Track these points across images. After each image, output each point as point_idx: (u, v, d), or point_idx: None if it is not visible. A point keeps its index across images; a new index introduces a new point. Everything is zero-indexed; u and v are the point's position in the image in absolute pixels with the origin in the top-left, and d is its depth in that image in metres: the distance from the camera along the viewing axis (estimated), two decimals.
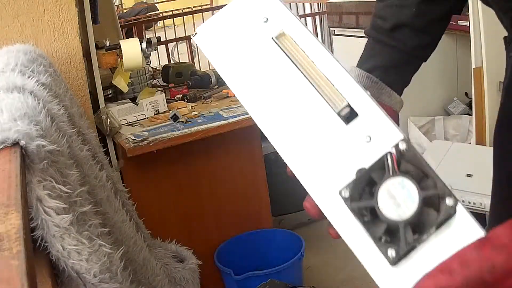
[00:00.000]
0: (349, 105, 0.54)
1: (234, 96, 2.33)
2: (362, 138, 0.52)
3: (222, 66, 0.62)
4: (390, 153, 0.50)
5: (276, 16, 0.61)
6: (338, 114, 0.53)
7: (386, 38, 0.84)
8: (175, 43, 5.08)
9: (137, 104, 1.98)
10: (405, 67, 0.84)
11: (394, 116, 0.82)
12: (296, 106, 0.57)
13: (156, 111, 2.02)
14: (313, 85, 0.56)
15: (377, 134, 0.52)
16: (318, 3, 4.86)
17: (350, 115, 0.53)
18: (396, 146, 0.50)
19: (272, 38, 0.59)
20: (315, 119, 0.55)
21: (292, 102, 0.57)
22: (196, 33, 0.64)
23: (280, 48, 0.59)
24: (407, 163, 0.49)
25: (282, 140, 0.56)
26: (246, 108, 0.59)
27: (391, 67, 0.82)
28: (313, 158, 0.54)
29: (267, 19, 0.61)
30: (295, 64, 0.58)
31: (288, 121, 0.57)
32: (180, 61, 4.52)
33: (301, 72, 0.57)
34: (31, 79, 0.96)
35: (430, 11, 0.83)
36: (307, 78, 0.57)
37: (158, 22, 5.90)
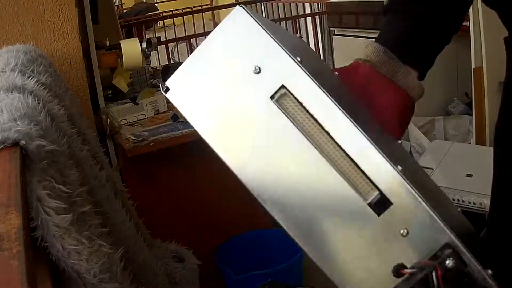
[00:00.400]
0: (380, 193, 0.46)
1: None
2: (397, 231, 0.45)
3: (206, 131, 0.51)
4: (435, 268, 0.44)
5: (270, 62, 0.49)
6: (369, 204, 0.46)
7: (404, 7, 0.77)
8: (175, 43, 5.07)
9: (137, 104, 1.98)
10: (424, 42, 0.76)
11: (409, 103, 0.73)
12: (315, 192, 0.47)
13: (156, 111, 2.02)
14: (335, 169, 0.47)
15: (415, 227, 0.45)
16: (318, 3, 4.86)
17: (382, 204, 0.46)
18: (442, 263, 0.44)
19: (271, 99, 0.48)
20: (340, 209, 0.47)
21: (309, 187, 0.47)
22: (166, 88, 0.53)
23: (286, 115, 0.48)
24: (453, 273, 0.45)
25: (306, 236, 0.47)
26: (248, 186, 0.51)
27: (409, 40, 0.75)
28: (346, 259, 0.47)
29: (259, 68, 0.49)
30: (309, 140, 0.47)
31: (307, 211, 0.47)
32: (180, 61, 4.52)
33: (317, 149, 0.47)
34: (31, 79, 0.96)
35: None
36: (327, 160, 0.47)
37: (158, 22, 5.89)
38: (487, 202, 1.80)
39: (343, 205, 0.46)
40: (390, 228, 0.45)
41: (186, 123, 1.87)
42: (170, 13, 5.66)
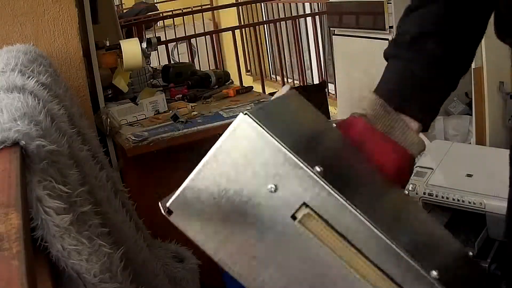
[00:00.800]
0: None
1: (234, 96, 2.31)
2: None
3: (220, 255, 0.46)
4: None
5: (287, 179, 0.43)
6: None
7: (405, 51, 0.68)
8: (175, 43, 5.07)
9: (137, 104, 1.98)
10: (428, 87, 0.68)
11: (408, 160, 0.66)
12: None
13: (156, 111, 2.02)
14: (371, 286, 0.44)
15: None
16: (318, 3, 4.86)
17: None
18: None
19: (293, 219, 0.43)
20: None
21: None
22: (168, 209, 0.48)
23: (312, 236, 0.43)
24: None
25: None
26: None
27: (410, 87, 0.67)
28: None
29: (275, 187, 0.43)
30: (339, 259, 0.43)
31: None
32: (180, 61, 4.52)
33: (350, 268, 0.44)
34: (31, 79, 0.96)
35: (457, 16, 0.67)
36: (361, 278, 0.44)
37: (158, 22, 5.90)
38: (487, 202, 1.80)
39: None
40: None
41: (186, 123, 1.87)
42: (170, 13, 5.66)
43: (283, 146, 0.43)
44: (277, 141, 0.44)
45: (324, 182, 0.43)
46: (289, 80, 5.07)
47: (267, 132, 0.44)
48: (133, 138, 1.76)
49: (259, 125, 0.44)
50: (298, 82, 4.87)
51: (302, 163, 0.43)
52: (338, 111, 3.23)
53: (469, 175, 1.98)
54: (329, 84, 4.17)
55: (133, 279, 0.96)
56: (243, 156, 0.44)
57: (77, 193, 0.77)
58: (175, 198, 0.49)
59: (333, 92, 4.19)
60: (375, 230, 0.43)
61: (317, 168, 0.44)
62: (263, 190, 0.43)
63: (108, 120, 1.83)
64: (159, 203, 0.48)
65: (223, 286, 2.02)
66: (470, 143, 2.36)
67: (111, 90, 2.06)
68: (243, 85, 3.09)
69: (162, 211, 0.49)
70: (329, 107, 2.98)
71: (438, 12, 0.67)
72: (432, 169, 2.07)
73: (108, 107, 1.91)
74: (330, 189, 0.43)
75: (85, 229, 0.73)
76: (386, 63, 0.72)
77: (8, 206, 0.55)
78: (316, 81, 4.73)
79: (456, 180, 1.97)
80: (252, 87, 2.33)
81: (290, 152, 0.43)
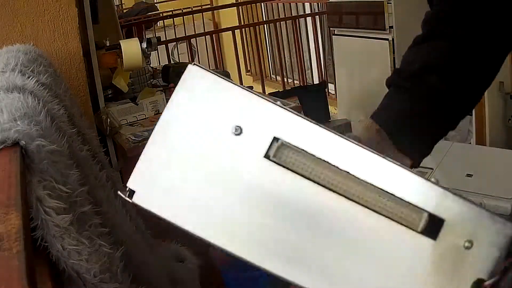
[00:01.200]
0: (428, 214, 0.40)
1: None
2: (460, 247, 0.39)
3: (196, 225, 0.43)
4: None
5: (251, 117, 0.40)
6: (421, 232, 0.40)
7: (408, 83, 0.66)
8: (175, 43, 5.07)
9: (137, 104, 1.98)
10: (427, 125, 0.65)
11: None
12: (358, 242, 0.40)
13: (156, 111, 2.02)
14: (369, 209, 0.40)
15: (477, 233, 0.39)
16: (318, 3, 4.86)
17: (434, 226, 0.40)
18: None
19: (267, 158, 0.40)
20: (391, 251, 0.40)
21: (347, 241, 0.40)
22: (130, 191, 0.44)
23: (292, 170, 0.40)
24: None
25: None
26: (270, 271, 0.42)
27: (406, 122, 0.65)
28: None
29: (240, 128, 0.40)
30: (329, 189, 0.40)
31: (356, 270, 0.40)
32: (180, 61, 4.53)
33: (341, 195, 0.40)
34: (31, 79, 0.96)
35: (465, 56, 0.65)
36: (355, 202, 0.40)
37: (158, 22, 5.90)
38: (487, 202, 1.81)
39: (393, 245, 0.40)
40: (452, 246, 0.39)
41: None
42: (170, 13, 5.67)
43: (239, 86, 0.42)
44: (232, 83, 0.42)
45: (290, 111, 0.41)
46: (289, 80, 5.07)
47: (220, 77, 0.42)
48: (133, 138, 1.76)
49: (210, 71, 0.42)
50: (298, 82, 4.87)
51: (261, 97, 0.41)
52: (338, 111, 3.23)
53: (469, 175, 1.98)
54: (329, 84, 4.17)
55: (133, 279, 0.96)
56: (199, 106, 0.41)
57: (77, 193, 0.76)
58: (135, 173, 0.44)
59: (333, 92, 4.19)
60: (358, 146, 0.41)
61: (279, 102, 0.41)
62: (227, 135, 0.40)
63: (108, 120, 1.83)
64: (119, 193, 0.44)
65: (223, 286, 2.01)
66: (470, 143, 2.36)
67: (111, 90, 2.06)
68: (243, 85, 3.08)
69: (124, 197, 0.45)
70: (329, 107, 2.99)
71: (445, 48, 0.65)
72: (432, 169, 2.07)
73: (108, 107, 1.91)
74: (298, 116, 0.40)
75: (85, 229, 0.73)
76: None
77: (8, 206, 0.55)
78: (316, 81, 4.73)
79: (456, 180, 1.97)
80: (252, 87, 2.33)
81: (247, 90, 0.41)
